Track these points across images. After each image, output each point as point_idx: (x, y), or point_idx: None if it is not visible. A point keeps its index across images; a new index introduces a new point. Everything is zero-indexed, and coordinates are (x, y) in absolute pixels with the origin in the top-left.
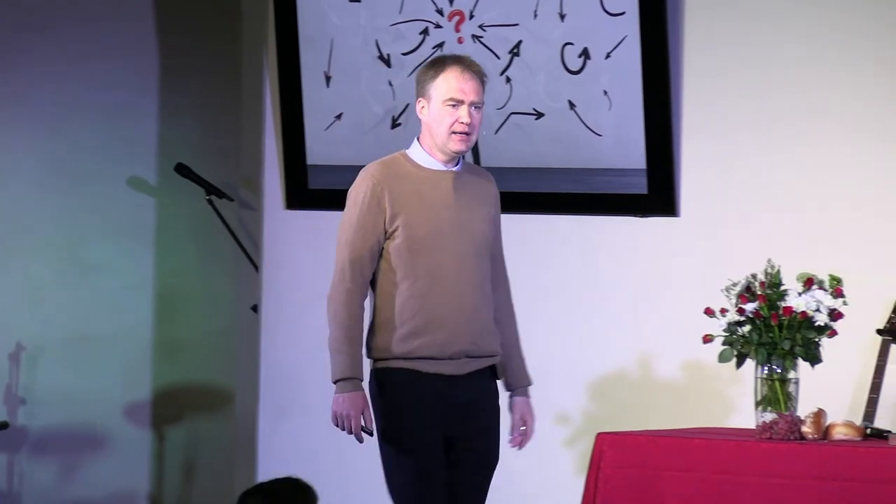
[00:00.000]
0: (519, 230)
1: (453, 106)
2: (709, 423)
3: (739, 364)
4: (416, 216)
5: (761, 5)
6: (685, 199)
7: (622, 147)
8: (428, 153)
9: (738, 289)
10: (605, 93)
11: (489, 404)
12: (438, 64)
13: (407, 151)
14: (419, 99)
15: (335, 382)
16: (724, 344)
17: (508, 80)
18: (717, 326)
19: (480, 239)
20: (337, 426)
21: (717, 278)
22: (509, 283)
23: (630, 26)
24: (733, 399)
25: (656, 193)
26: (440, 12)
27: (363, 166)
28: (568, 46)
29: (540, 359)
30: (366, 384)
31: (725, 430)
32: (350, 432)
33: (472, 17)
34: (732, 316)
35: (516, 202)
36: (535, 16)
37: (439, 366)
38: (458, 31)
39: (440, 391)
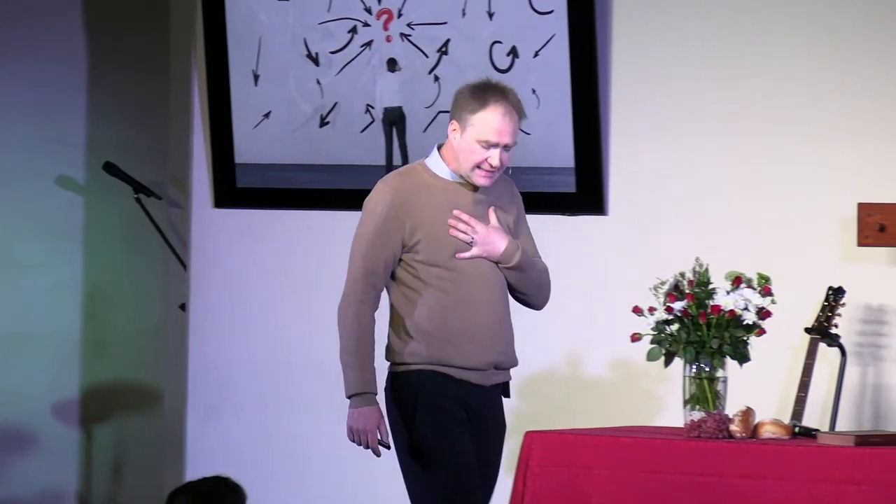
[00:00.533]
0: None
1: (486, 147)
2: (637, 422)
3: (668, 362)
4: (438, 228)
5: (689, 4)
6: (613, 197)
7: (550, 146)
8: (448, 166)
9: (666, 287)
10: (534, 91)
11: (501, 421)
12: (482, 97)
13: (426, 161)
14: (453, 120)
15: (349, 397)
16: (652, 342)
17: (437, 78)
18: (646, 325)
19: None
20: (353, 441)
21: (645, 277)
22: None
23: (558, 25)
24: (661, 397)
25: (584, 192)
26: (368, 11)
27: (292, 165)
28: (496, 45)
29: None
30: (381, 388)
31: (653, 428)
32: (367, 447)
33: (400, 15)
34: (661, 314)
35: None
36: (464, 14)
37: (467, 374)
38: (386, 29)
39: (467, 396)
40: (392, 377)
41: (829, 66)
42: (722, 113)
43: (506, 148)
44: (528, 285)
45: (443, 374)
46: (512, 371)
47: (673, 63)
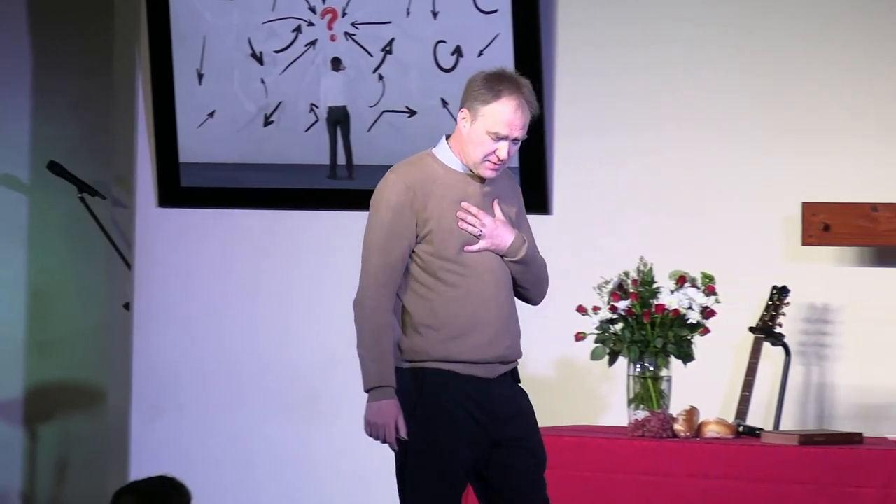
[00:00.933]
0: None
1: (495, 139)
2: (581, 421)
3: (612, 362)
4: (447, 220)
5: (635, 5)
6: (558, 197)
7: None
8: (457, 156)
9: (610, 286)
10: None
11: (525, 403)
12: (496, 88)
13: (434, 151)
14: (463, 108)
15: (367, 391)
16: (596, 342)
17: (381, 78)
18: (590, 324)
19: None
20: (370, 436)
21: (589, 276)
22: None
23: (503, 24)
24: (605, 397)
25: (529, 191)
26: (313, 10)
27: (236, 164)
28: (441, 44)
29: None
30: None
31: (597, 427)
32: (384, 441)
33: (344, 14)
34: (605, 314)
35: None
36: (408, 14)
37: (474, 369)
38: (330, 28)
39: (476, 393)
40: (396, 373)
41: (773, 67)
42: (666, 113)
43: (514, 141)
44: (531, 280)
45: (448, 372)
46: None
47: (617, 63)
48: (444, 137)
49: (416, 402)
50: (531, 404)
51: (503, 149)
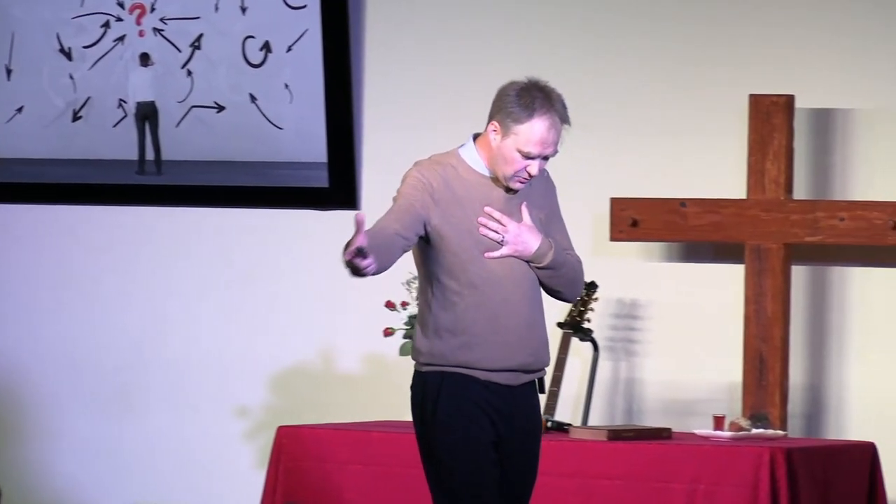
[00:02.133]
0: (198, 224)
1: (527, 157)
2: (390, 417)
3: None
4: (469, 224)
5: (444, 1)
6: (366, 192)
7: (304, 141)
8: (483, 160)
9: (417, 282)
10: (287, 86)
11: (532, 411)
12: (529, 105)
13: (460, 151)
14: (494, 121)
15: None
16: (404, 337)
17: (190, 73)
18: (398, 320)
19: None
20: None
21: (397, 272)
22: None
23: (311, 20)
24: None
25: (337, 187)
26: (121, 5)
27: (45, 160)
28: (249, 40)
29: (219, 351)
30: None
31: (406, 423)
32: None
33: (153, 10)
34: (413, 309)
35: (197, 196)
36: (217, 9)
37: (494, 375)
38: (139, 24)
39: (497, 401)
40: (416, 376)
41: (581, 64)
42: (475, 109)
43: (545, 158)
44: (561, 283)
45: (467, 376)
46: (260, 365)
47: (426, 59)
48: (471, 137)
49: (435, 405)
50: (540, 414)
51: (534, 167)
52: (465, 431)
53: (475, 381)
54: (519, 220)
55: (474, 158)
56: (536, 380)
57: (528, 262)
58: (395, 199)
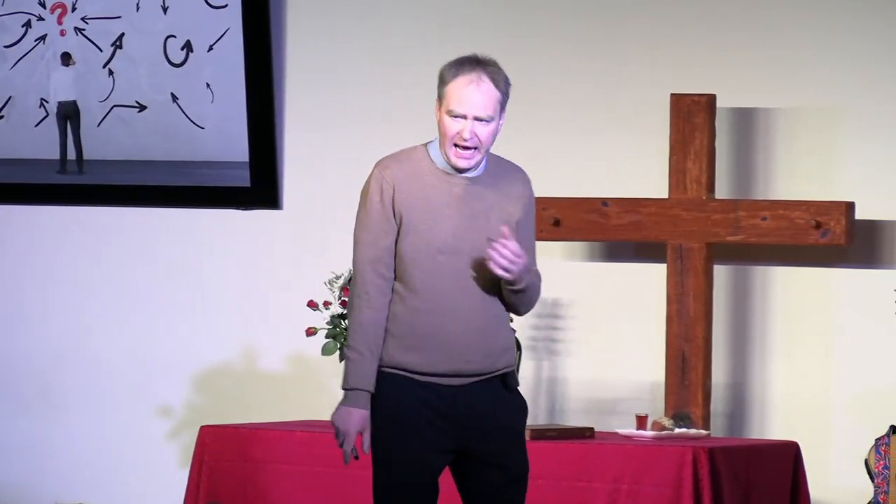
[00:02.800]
0: (121, 223)
1: (455, 118)
2: (312, 417)
3: (343, 357)
4: (420, 222)
5: (365, 1)
6: (288, 192)
7: (225, 140)
8: (441, 154)
9: (341, 282)
10: (208, 85)
11: (500, 408)
12: (456, 67)
13: (428, 146)
14: (437, 100)
15: (343, 390)
16: (327, 337)
17: (111, 72)
18: (321, 319)
19: (486, 246)
20: (336, 437)
21: (320, 271)
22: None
23: (233, 19)
24: (337, 392)
25: (259, 186)
26: (43, 4)
27: None
28: (171, 39)
29: (141, 351)
30: None
31: (328, 422)
32: (341, 447)
33: (74, 9)
34: (336, 309)
35: (119, 195)
36: (138, 8)
37: (431, 378)
38: (60, 23)
39: (434, 399)
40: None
41: (502, 63)
42: (397, 107)
43: (480, 121)
44: (522, 301)
45: (405, 377)
46: (183, 364)
47: (347, 58)
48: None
49: (376, 405)
50: (518, 418)
51: (465, 129)
52: (401, 435)
53: (412, 382)
54: (483, 213)
55: (437, 153)
56: (501, 377)
57: (502, 278)
58: (358, 216)
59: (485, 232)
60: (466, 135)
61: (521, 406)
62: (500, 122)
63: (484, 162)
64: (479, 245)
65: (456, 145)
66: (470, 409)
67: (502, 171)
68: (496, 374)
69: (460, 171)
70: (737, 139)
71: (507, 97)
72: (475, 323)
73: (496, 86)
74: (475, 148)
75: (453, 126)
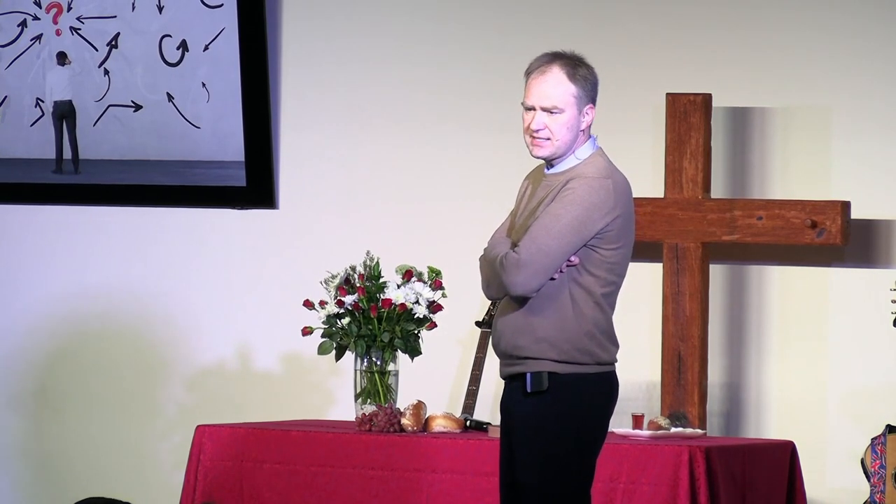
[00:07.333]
0: (116, 222)
1: (527, 110)
2: (308, 416)
3: (339, 356)
4: (519, 214)
5: (360, 0)
6: (284, 191)
7: (221, 139)
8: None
9: (337, 281)
10: (204, 85)
11: (513, 422)
12: (532, 63)
13: None
14: None
15: None
16: (323, 336)
17: (107, 72)
18: (317, 319)
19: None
20: None
21: (316, 270)
22: (521, 246)
23: (228, 18)
24: (332, 391)
25: (255, 186)
26: (38, 4)
27: None
28: (166, 38)
29: (136, 351)
30: None
31: (324, 422)
32: None
33: (69, 9)
34: (332, 308)
35: (115, 195)
36: (134, 8)
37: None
38: (55, 23)
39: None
40: None
41: (496, 63)
42: (392, 107)
43: (548, 112)
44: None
45: None
46: (178, 364)
47: (343, 57)
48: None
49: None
50: (527, 419)
51: (534, 119)
52: None
53: None
54: (534, 209)
55: None
56: (528, 376)
57: None
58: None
59: (526, 224)
60: (534, 125)
61: (524, 413)
62: (582, 115)
63: (573, 160)
64: (520, 235)
65: (530, 136)
66: (507, 405)
67: (567, 174)
68: (517, 361)
69: (548, 165)
70: (733, 139)
71: (589, 90)
72: (508, 307)
73: (570, 77)
74: (548, 139)
75: (526, 118)
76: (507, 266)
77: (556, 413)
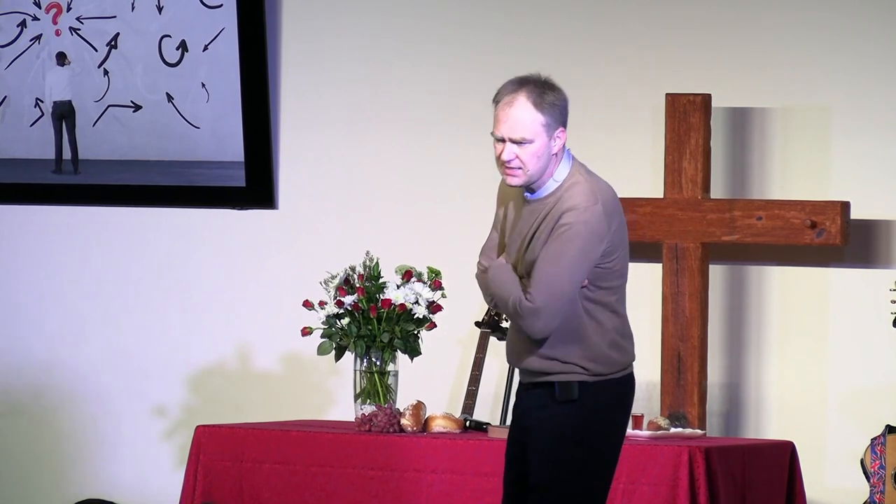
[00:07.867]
0: (116, 223)
1: (497, 141)
2: (308, 416)
3: (339, 356)
4: (508, 234)
5: (360, 1)
6: (283, 191)
7: (220, 139)
8: None
9: (336, 281)
10: (203, 85)
11: (533, 423)
12: (499, 90)
13: None
14: None
15: None
16: (323, 336)
17: (106, 72)
18: (316, 319)
19: (520, 270)
20: None
21: (316, 271)
22: (534, 292)
23: (227, 18)
24: (332, 391)
25: (255, 186)
26: (38, 4)
27: None
28: (166, 39)
29: (137, 351)
30: None
31: (324, 422)
32: None
33: (69, 9)
34: (331, 308)
35: (114, 195)
36: (133, 8)
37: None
38: (55, 23)
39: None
40: None
41: (497, 64)
42: (391, 107)
43: (517, 143)
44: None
45: None
46: (178, 364)
47: (343, 57)
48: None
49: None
50: (547, 423)
51: (505, 150)
52: None
53: None
54: (523, 235)
55: None
56: (557, 385)
57: None
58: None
59: (521, 249)
60: (505, 156)
61: (546, 417)
62: (552, 140)
63: (552, 184)
64: (513, 260)
65: (503, 165)
66: (520, 406)
67: (555, 201)
68: (539, 375)
69: (528, 190)
70: (732, 139)
71: (557, 116)
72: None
73: (536, 107)
74: (519, 168)
75: (497, 148)
76: (525, 314)
77: (581, 418)
